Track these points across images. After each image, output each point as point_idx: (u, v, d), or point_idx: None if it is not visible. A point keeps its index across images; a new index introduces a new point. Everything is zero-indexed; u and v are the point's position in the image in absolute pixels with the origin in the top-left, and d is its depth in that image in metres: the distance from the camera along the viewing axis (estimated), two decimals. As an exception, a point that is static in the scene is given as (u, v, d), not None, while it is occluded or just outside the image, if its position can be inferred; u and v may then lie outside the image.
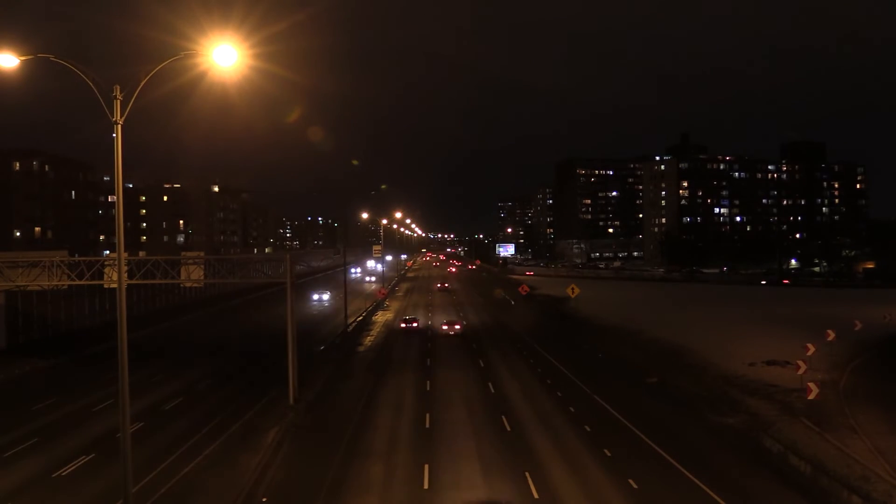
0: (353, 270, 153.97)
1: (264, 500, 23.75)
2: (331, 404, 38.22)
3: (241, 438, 30.47)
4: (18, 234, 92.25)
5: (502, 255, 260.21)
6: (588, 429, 31.86)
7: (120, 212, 19.14)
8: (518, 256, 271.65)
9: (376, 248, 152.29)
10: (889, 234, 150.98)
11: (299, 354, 39.06)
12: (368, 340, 63.81)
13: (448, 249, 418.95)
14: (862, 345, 51.76)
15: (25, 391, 43.22)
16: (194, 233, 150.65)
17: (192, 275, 42.69)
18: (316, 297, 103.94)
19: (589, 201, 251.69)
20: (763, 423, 30.51)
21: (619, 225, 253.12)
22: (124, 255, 20.06)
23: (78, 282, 41.11)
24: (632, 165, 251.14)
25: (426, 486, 24.78)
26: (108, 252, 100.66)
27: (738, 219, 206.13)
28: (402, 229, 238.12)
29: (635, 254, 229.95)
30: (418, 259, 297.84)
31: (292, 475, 26.35)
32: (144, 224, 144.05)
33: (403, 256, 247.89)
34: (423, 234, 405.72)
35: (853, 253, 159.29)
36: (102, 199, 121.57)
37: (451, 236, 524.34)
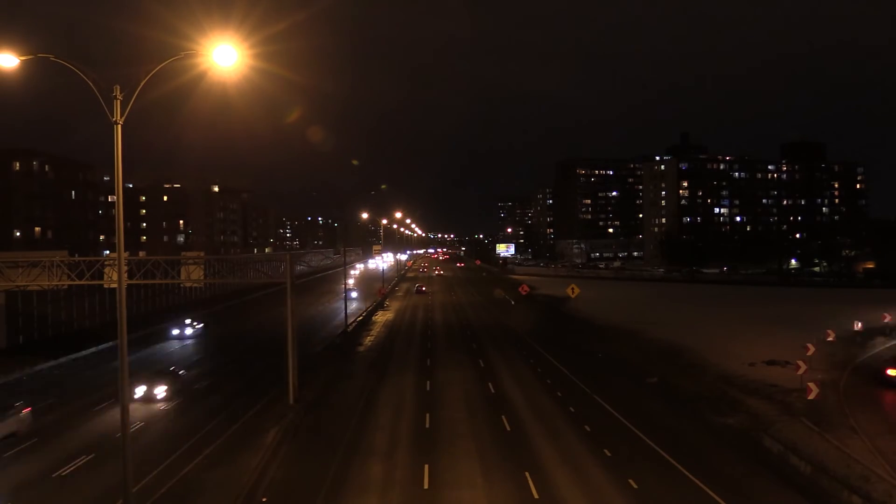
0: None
1: (264, 500, 23.74)
2: (331, 404, 38.22)
3: (240, 438, 30.46)
4: (18, 234, 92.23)
5: (502, 255, 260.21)
6: (588, 429, 31.85)
7: (120, 212, 19.16)
8: (518, 256, 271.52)
9: (376, 247, 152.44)
10: (889, 234, 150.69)
11: (299, 354, 39.04)
12: (368, 340, 63.80)
13: (446, 250, 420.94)
14: (862, 345, 51.76)
15: (25, 391, 43.14)
16: (194, 233, 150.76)
17: (192, 275, 42.68)
18: None
19: (589, 201, 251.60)
20: (763, 423, 30.51)
21: (619, 225, 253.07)
22: (124, 255, 20.07)
23: (78, 282, 41.09)
24: (632, 165, 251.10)
25: (426, 486, 24.78)
26: (108, 252, 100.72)
27: (738, 219, 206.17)
28: (402, 229, 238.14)
29: (635, 254, 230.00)
30: (418, 260, 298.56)
31: (292, 475, 26.34)
32: (144, 224, 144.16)
33: (405, 255, 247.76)
34: (423, 234, 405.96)
35: (853, 253, 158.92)
36: (102, 199, 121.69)
37: (452, 236, 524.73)
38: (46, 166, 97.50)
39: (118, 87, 18.11)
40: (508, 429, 32.22)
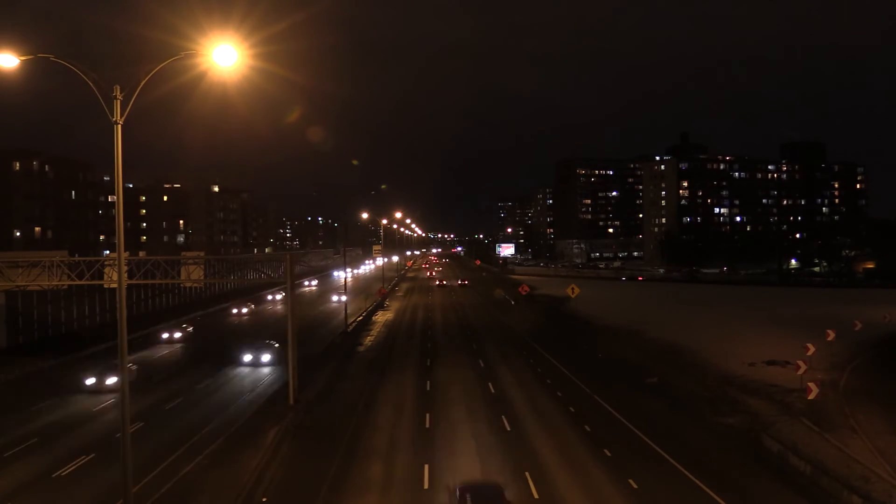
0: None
1: (264, 500, 23.73)
2: (331, 404, 38.20)
3: (240, 438, 30.43)
4: (18, 234, 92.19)
5: (502, 255, 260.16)
6: (588, 429, 31.85)
7: (120, 212, 19.15)
8: (518, 256, 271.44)
9: (376, 248, 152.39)
10: (889, 234, 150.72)
11: (299, 354, 39.02)
12: (368, 340, 63.79)
13: (440, 249, 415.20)
14: (862, 345, 51.77)
15: (25, 391, 43.14)
16: (194, 233, 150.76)
17: (192, 275, 42.67)
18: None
19: (589, 201, 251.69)
20: (763, 423, 30.50)
21: (619, 225, 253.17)
22: (124, 255, 20.07)
23: (78, 282, 41.08)
24: (632, 165, 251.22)
25: (426, 486, 24.77)
26: (108, 252, 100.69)
27: (738, 219, 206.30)
28: (402, 229, 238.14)
29: (635, 254, 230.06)
30: (418, 260, 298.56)
31: (292, 475, 26.33)
32: (144, 224, 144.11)
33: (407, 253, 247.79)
34: (423, 234, 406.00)
35: (853, 253, 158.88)
36: (102, 199, 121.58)
37: (452, 236, 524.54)
38: (46, 166, 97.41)
39: (118, 87, 18.10)
40: (508, 429, 32.21)
